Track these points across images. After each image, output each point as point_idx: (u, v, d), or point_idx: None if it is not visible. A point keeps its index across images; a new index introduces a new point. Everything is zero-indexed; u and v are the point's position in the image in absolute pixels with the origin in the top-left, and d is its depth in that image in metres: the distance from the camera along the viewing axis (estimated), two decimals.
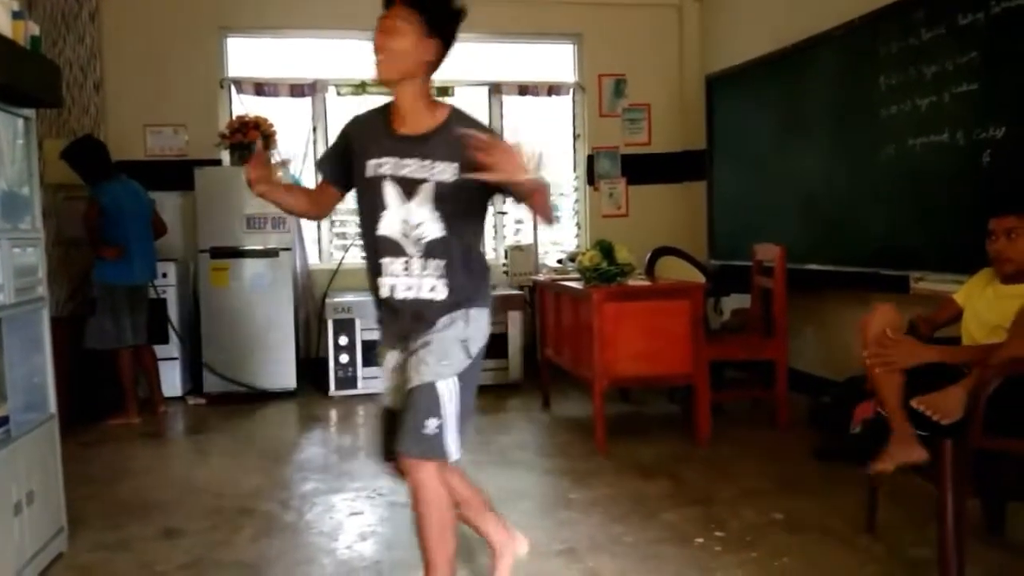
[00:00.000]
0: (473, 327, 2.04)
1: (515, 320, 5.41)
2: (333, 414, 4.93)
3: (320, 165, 2.18)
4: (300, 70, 5.87)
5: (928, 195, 3.65)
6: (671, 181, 6.28)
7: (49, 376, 2.79)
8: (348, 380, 5.22)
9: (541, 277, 5.10)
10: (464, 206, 2.00)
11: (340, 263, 5.82)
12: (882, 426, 2.43)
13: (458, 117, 2.02)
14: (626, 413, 4.68)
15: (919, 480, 2.44)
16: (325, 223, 6.00)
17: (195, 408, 5.09)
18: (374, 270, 2.04)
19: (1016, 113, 3.14)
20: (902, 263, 3.80)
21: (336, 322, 5.20)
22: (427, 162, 1.95)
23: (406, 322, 2.03)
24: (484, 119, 6.00)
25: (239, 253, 5.25)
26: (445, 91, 5.82)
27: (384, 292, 2.02)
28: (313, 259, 5.94)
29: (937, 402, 2.22)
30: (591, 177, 6.25)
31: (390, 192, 1.97)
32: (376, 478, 3.55)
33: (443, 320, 2.00)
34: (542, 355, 4.88)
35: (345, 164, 2.07)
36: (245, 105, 5.74)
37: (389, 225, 1.99)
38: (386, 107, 2.05)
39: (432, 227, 1.97)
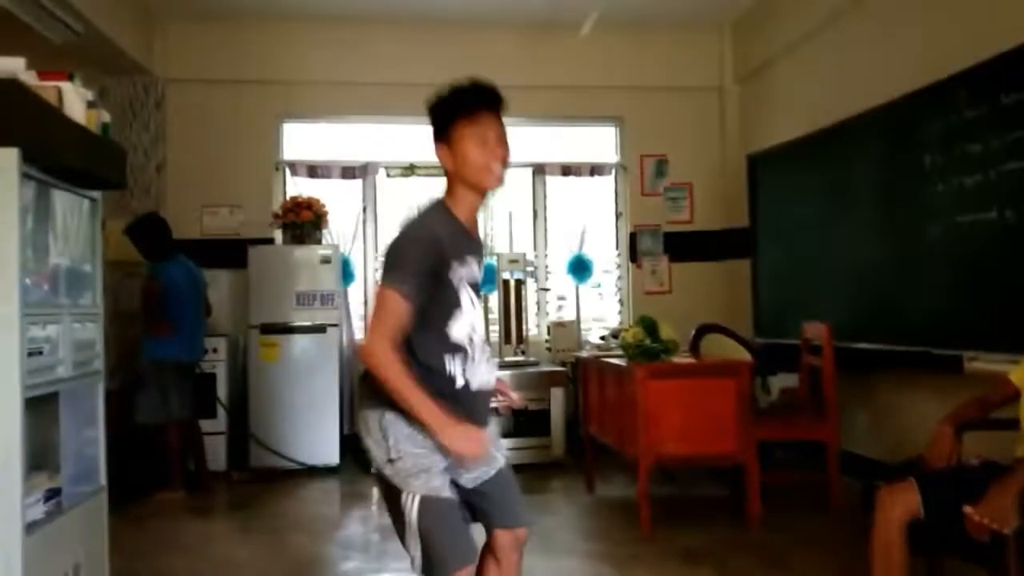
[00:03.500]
0: None
1: (557, 397, 5.37)
2: (375, 491, 4.90)
3: (413, 286, 1.84)
4: (351, 153, 6.09)
5: (979, 273, 3.59)
6: (714, 259, 6.28)
7: (101, 449, 2.83)
8: None
9: (584, 353, 5.09)
10: None
11: None
12: (943, 512, 2.33)
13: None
14: (672, 495, 4.57)
15: (982, 570, 2.33)
16: (372, 299, 6.09)
17: (239, 483, 5.11)
18: (448, 366, 1.95)
19: None
20: (954, 342, 3.71)
21: None
22: (477, 259, 2.03)
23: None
24: (528, 199, 6.21)
25: (288, 329, 5.35)
26: None
27: (459, 383, 1.97)
28: (359, 334, 6.02)
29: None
30: (633, 254, 6.29)
31: (465, 297, 1.96)
32: None
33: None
34: (585, 432, 4.82)
35: (431, 277, 1.89)
36: (299, 186, 5.95)
37: (460, 328, 1.96)
38: (445, 207, 1.98)
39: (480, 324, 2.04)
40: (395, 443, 1.92)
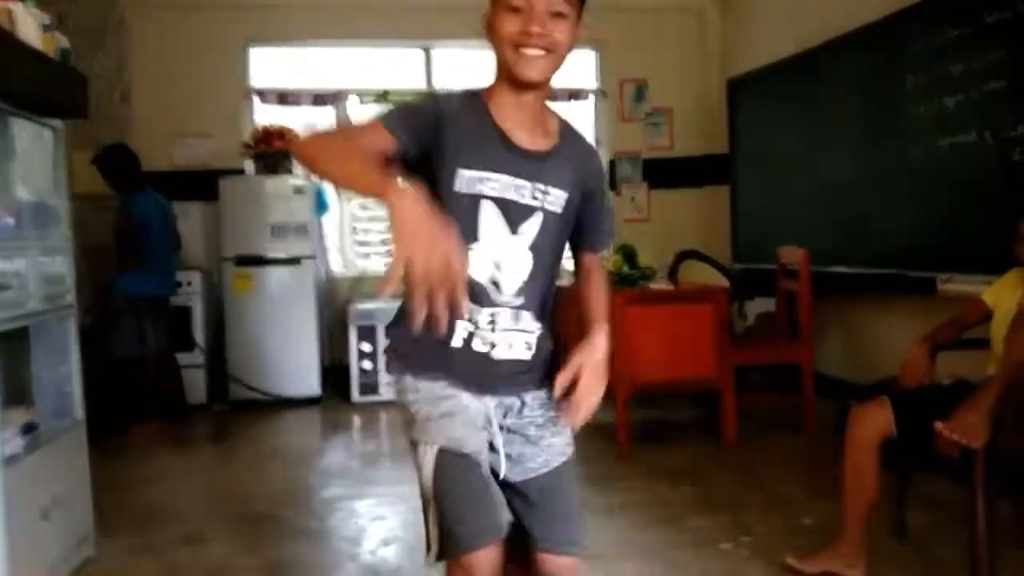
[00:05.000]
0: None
1: None
2: (356, 420, 4.95)
3: (395, 119, 1.40)
4: (323, 80, 5.93)
5: (957, 195, 3.60)
6: (693, 185, 6.25)
7: (76, 383, 2.82)
8: (371, 386, 5.24)
9: (563, 282, 5.08)
10: (557, 249, 1.60)
11: (362, 270, 5.85)
12: (915, 429, 2.38)
13: (569, 132, 1.56)
14: (651, 418, 4.65)
15: (949, 484, 2.39)
16: (347, 229, 6.03)
17: (219, 415, 5.13)
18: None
19: None
20: (929, 265, 3.75)
21: (359, 328, 5.22)
22: (541, 187, 1.47)
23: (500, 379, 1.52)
24: None
25: (263, 261, 5.29)
26: None
27: (457, 341, 1.46)
28: (335, 266, 5.97)
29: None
30: (612, 182, 6.24)
31: (489, 219, 1.44)
32: (399, 483, 3.55)
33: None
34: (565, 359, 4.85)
35: (421, 141, 1.40)
36: (269, 114, 5.80)
37: (478, 264, 1.44)
38: (482, 100, 1.48)
39: (525, 268, 1.51)
40: (410, 391, 1.48)
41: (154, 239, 4.65)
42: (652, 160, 6.24)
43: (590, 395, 1.49)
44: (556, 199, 1.50)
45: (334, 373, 5.61)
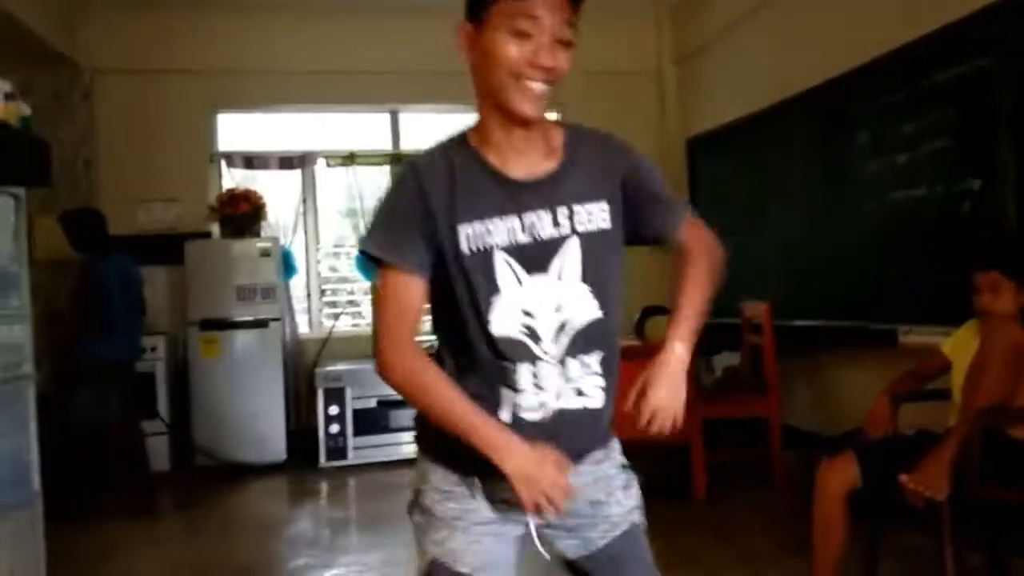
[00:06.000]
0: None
1: None
2: (324, 486, 4.85)
3: (396, 249, 1.26)
4: (289, 143, 5.97)
5: (911, 248, 3.70)
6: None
7: (34, 454, 2.75)
8: (338, 451, 5.15)
9: None
10: (614, 265, 1.39)
11: (330, 331, 5.81)
12: (881, 481, 2.41)
13: (576, 139, 1.36)
14: None
15: (920, 534, 2.41)
16: (315, 291, 6.01)
17: (184, 483, 5.00)
18: (489, 383, 1.29)
19: (992, 166, 3.21)
20: (889, 317, 3.82)
21: (326, 391, 5.16)
22: (564, 210, 1.29)
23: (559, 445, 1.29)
24: None
25: (229, 324, 5.24)
26: None
27: (505, 415, 1.29)
28: (303, 328, 5.93)
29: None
30: None
31: (503, 269, 1.27)
32: (368, 551, 3.48)
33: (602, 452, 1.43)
34: None
35: (425, 236, 1.26)
36: (235, 178, 5.81)
37: (505, 318, 1.27)
38: (468, 142, 1.32)
39: (583, 306, 1.32)
40: (421, 478, 1.35)
41: (115, 302, 4.57)
42: None
43: (660, 406, 1.34)
44: (594, 215, 1.32)
45: (301, 437, 5.52)
